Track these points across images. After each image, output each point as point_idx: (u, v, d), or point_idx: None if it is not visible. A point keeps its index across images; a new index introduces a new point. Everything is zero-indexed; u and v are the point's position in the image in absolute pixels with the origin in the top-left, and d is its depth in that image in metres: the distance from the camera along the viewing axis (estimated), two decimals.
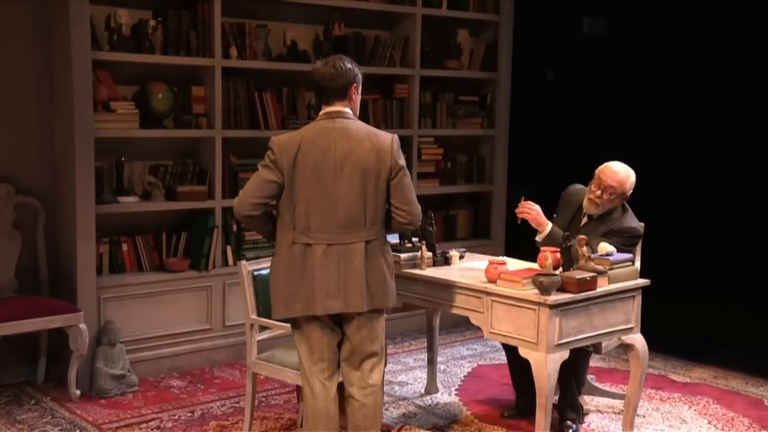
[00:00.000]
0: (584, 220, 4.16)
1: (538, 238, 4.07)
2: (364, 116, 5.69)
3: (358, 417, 3.39)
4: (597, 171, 4.07)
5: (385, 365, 3.48)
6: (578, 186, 4.25)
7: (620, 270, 3.75)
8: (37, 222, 4.71)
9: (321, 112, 3.34)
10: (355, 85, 3.32)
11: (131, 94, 4.94)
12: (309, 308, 3.27)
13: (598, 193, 4.02)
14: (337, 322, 3.37)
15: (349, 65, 3.31)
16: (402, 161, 3.31)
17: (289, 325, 3.48)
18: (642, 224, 4.15)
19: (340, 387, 3.45)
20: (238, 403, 4.52)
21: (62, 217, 4.74)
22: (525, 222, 4.12)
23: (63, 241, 4.74)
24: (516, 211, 4.09)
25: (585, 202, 4.11)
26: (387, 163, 3.26)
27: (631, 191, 4.07)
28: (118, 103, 4.78)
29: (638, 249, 4.29)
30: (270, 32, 5.33)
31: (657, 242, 4.91)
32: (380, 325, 3.41)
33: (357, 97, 3.36)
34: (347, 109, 3.32)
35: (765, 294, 6.51)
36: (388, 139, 3.30)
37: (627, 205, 4.13)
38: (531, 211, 4.05)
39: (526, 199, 4.10)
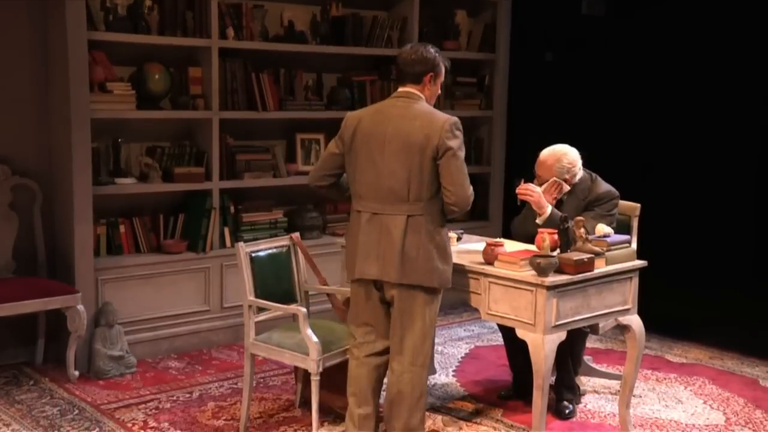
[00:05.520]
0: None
1: (539, 220, 4.07)
2: (361, 97, 5.69)
3: (393, 391, 3.48)
4: (535, 170, 4.14)
5: (433, 348, 3.48)
6: None
7: (617, 251, 3.76)
8: (34, 203, 4.70)
9: (395, 91, 3.50)
10: (432, 74, 3.44)
11: (128, 75, 4.92)
12: (351, 272, 3.47)
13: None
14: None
15: (430, 55, 3.44)
16: (452, 143, 3.32)
17: (290, 306, 3.64)
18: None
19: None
20: (236, 384, 4.54)
21: (59, 199, 4.73)
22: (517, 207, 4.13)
23: (60, 223, 4.74)
24: (516, 190, 4.09)
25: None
26: (434, 142, 3.30)
27: (579, 160, 4.11)
28: (114, 84, 4.76)
29: (635, 230, 4.30)
30: (267, 13, 5.31)
31: (654, 223, 4.91)
32: (419, 304, 3.42)
33: (433, 86, 3.48)
34: (417, 92, 3.43)
35: (760, 274, 6.53)
36: (443, 119, 3.36)
37: (593, 173, 4.17)
38: (533, 194, 4.05)
39: (525, 182, 4.10)
